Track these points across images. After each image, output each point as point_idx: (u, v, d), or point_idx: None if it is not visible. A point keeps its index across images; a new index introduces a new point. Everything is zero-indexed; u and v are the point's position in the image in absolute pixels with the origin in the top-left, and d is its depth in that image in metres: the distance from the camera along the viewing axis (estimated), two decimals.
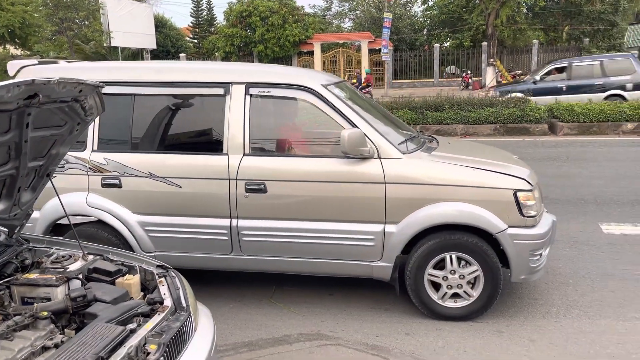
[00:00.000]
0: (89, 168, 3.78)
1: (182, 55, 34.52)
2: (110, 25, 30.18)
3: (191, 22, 41.76)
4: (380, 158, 3.54)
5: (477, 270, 3.54)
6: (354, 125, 3.56)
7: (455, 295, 3.65)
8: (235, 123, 3.67)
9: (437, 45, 32.83)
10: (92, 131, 3.79)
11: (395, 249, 3.58)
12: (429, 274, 3.62)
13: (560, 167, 8.67)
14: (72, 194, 3.79)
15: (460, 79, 28.68)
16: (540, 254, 3.58)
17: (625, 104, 12.06)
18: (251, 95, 3.69)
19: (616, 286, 4.15)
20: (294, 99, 3.69)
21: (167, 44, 36.13)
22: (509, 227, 3.45)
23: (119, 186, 3.76)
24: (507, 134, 12.32)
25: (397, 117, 12.90)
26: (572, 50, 31.65)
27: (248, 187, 3.63)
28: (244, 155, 3.66)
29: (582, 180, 7.67)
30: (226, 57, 33.42)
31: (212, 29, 41.08)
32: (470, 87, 26.51)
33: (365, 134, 3.51)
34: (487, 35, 27.65)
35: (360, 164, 3.54)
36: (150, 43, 34.23)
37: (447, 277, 3.60)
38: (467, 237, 3.51)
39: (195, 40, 41.81)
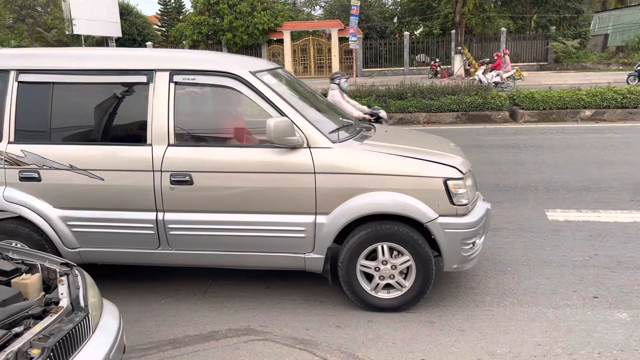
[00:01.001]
0: (5, 161, 3.59)
1: (148, 43, 33.88)
2: (72, 13, 29.35)
3: (159, 10, 40.98)
4: (309, 147, 3.44)
5: (409, 260, 3.49)
6: (282, 113, 3.45)
7: (388, 286, 3.60)
8: (159, 112, 3.53)
9: (406, 33, 32.86)
10: (8, 122, 3.60)
11: (327, 240, 3.50)
12: (361, 265, 3.56)
13: (517, 155, 8.72)
14: None
15: (429, 67, 28.76)
16: (473, 243, 3.54)
17: (583, 91, 12.20)
18: (176, 82, 3.55)
19: (552, 273, 4.16)
20: (221, 86, 3.55)
21: (133, 32, 35.41)
22: (440, 216, 3.41)
23: (38, 180, 3.59)
24: (469, 122, 12.37)
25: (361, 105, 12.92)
26: (539, 38, 32.03)
27: (173, 178, 3.50)
28: (168, 145, 3.52)
29: (535, 167, 7.72)
30: (194, 46, 32.90)
31: (181, 17, 40.36)
32: (438, 75, 26.62)
33: (293, 123, 3.41)
34: (455, 23, 27.75)
35: (289, 153, 3.44)
36: (115, 31, 33.48)
37: (379, 268, 3.54)
38: (398, 226, 3.45)
39: (164, 29, 41.04)
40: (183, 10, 41.23)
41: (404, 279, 3.57)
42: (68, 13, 29.36)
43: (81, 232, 3.66)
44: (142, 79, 3.56)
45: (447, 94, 12.86)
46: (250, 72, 3.56)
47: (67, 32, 29.36)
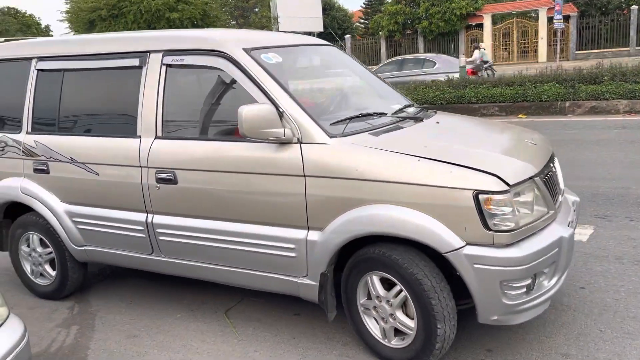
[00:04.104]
0: (23, 152, 3.52)
1: (347, 36, 34.60)
2: (279, 11, 31.37)
3: (363, 3, 41.72)
4: (300, 143, 2.64)
5: (401, 290, 2.55)
6: (271, 99, 2.70)
7: (400, 332, 2.64)
8: (149, 100, 3.06)
9: (634, 7, 27.68)
10: (27, 111, 3.52)
11: (320, 264, 2.67)
12: (362, 305, 2.67)
13: None
14: (11, 179, 3.58)
15: None
16: (527, 287, 2.37)
17: None
18: (167, 65, 3.05)
19: None
20: (209, 67, 2.93)
21: (334, 26, 36.47)
22: (468, 244, 2.31)
23: (47, 172, 3.42)
24: None
25: (541, 91, 10.99)
26: None
27: (159, 176, 3.01)
28: (155, 138, 3.04)
29: None
30: (390, 36, 32.62)
31: (382, 8, 40.47)
32: None
33: (284, 111, 2.64)
34: None
35: (277, 150, 2.67)
36: (318, 26, 34.86)
37: (376, 307, 2.64)
38: (375, 248, 2.56)
39: (367, 21, 41.62)
40: (385, 1, 41.23)
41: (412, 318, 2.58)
42: (275, 12, 31.51)
43: (85, 230, 3.41)
44: (135, 62, 3.13)
45: None
46: (245, 48, 2.88)
47: (273, 30, 31.61)
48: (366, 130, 2.75)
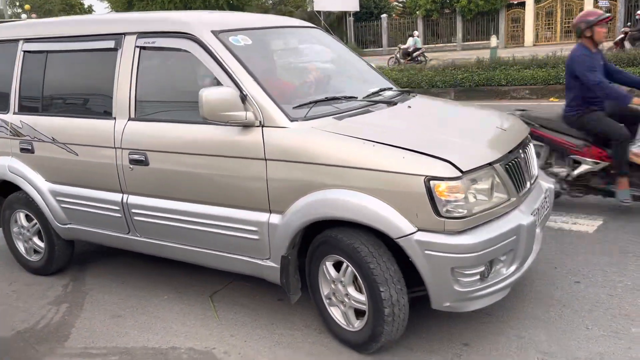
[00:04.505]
0: (10, 131, 3.58)
1: (383, 16, 33.99)
2: None
3: None
4: (262, 126, 2.60)
5: (348, 266, 2.56)
6: (235, 82, 2.66)
7: (361, 314, 2.63)
8: (123, 82, 3.07)
9: None
10: (14, 91, 3.56)
11: (280, 248, 2.68)
12: (325, 296, 2.71)
13: None
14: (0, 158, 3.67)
15: None
16: (481, 274, 2.33)
17: None
18: (141, 48, 3.04)
19: None
20: (178, 50, 2.92)
21: (370, 6, 35.81)
22: (419, 230, 2.27)
23: (32, 151, 3.49)
24: None
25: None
26: None
27: (131, 157, 3.03)
28: (129, 119, 3.05)
29: None
30: (427, 16, 31.83)
31: None
32: None
33: (247, 94, 2.62)
34: None
35: (240, 133, 2.66)
36: (354, 6, 34.26)
37: (334, 293, 2.67)
38: (332, 232, 2.56)
39: (405, 1, 40.77)
40: None
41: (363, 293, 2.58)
42: None
43: (69, 209, 3.47)
44: (111, 44, 3.14)
45: None
46: (213, 31, 2.84)
47: (308, 9, 31.31)
48: (331, 114, 2.72)
